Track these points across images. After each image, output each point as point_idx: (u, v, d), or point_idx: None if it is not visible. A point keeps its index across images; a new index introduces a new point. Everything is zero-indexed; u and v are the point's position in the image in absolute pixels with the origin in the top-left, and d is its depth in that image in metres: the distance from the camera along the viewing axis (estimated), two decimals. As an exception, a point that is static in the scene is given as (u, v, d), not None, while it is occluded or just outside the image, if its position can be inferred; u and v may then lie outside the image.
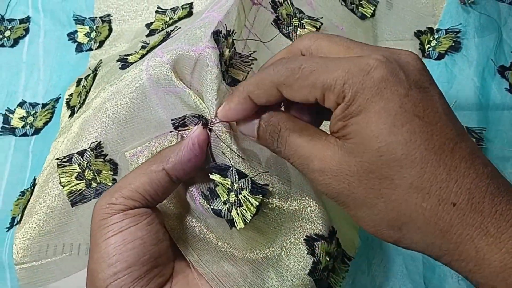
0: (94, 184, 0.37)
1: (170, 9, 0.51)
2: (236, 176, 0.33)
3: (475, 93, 0.48)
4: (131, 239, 0.29)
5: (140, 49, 0.42)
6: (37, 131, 0.47)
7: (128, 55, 0.42)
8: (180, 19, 0.48)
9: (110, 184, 0.37)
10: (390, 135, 0.24)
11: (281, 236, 0.34)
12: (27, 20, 0.53)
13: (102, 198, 0.30)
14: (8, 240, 0.40)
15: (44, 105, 0.49)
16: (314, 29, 0.46)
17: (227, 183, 0.33)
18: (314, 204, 0.35)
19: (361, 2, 0.50)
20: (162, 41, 0.38)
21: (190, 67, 0.34)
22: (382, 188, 0.25)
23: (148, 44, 0.42)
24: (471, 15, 0.51)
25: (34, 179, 0.41)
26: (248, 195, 0.33)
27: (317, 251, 0.34)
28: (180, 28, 0.40)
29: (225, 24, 0.36)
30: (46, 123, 0.47)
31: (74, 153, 0.37)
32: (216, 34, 0.35)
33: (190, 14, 0.48)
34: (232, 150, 0.33)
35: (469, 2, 0.52)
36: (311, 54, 0.29)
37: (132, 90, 0.36)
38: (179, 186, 0.33)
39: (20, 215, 0.40)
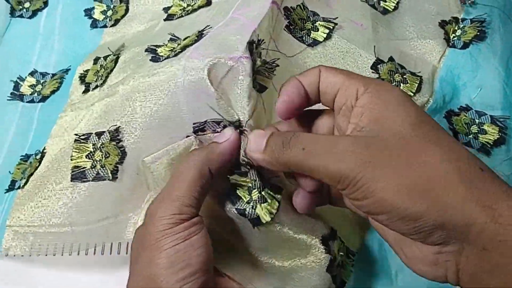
0: (98, 167, 0.37)
1: (189, -5, 0.51)
2: (257, 175, 0.34)
3: (500, 82, 0.47)
4: (198, 245, 0.30)
5: (169, 41, 0.43)
6: (43, 98, 0.47)
7: (157, 46, 0.42)
8: (199, 7, 0.48)
9: (111, 169, 0.37)
10: (415, 125, 0.27)
11: (300, 240, 0.36)
12: (47, -8, 0.54)
13: (162, 207, 0.31)
14: (6, 202, 0.40)
15: (53, 75, 0.49)
16: (327, 31, 0.47)
17: (247, 183, 0.34)
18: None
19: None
20: (196, 41, 0.39)
21: (222, 73, 0.35)
22: (414, 156, 0.26)
23: (178, 38, 0.43)
24: (496, 5, 0.51)
25: (44, 149, 0.41)
26: (270, 191, 0.34)
27: (332, 249, 0.36)
28: (211, 27, 0.41)
29: (258, 34, 0.38)
30: (53, 92, 0.47)
31: (93, 133, 0.38)
32: (251, 44, 0.36)
33: (209, 3, 0.48)
34: None
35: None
36: (315, 89, 0.31)
37: (166, 88, 0.36)
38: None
39: (24, 180, 0.40)
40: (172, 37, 0.43)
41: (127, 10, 0.53)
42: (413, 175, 0.25)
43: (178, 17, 0.49)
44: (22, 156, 0.44)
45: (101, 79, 0.43)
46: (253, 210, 0.34)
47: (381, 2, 0.51)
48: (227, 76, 0.35)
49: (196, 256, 0.30)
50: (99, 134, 0.38)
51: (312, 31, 0.47)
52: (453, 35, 0.51)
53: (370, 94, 0.28)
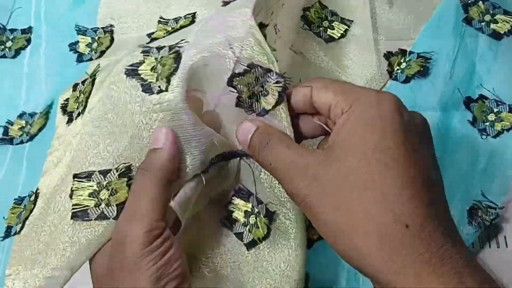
0: (102, 205, 0.35)
1: (173, 19, 0.50)
2: (256, 202, 0.36)
3: (433, 121, 0.47)
4: (176, 259, 0.30)
5: (145, 56, 0.39)
6: (31, 137, 0.46)
7: (137, 65, 0.39)
8: (182, 27, 0.47)
9: (115, 207, 0.35)
10: (374, 152, 0.27)
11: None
12: (29, 30, 0.53)
13: (132, 228, 0.30)
14: (3, 251, 0.40)
15: (41, 113, 0.48)
16: (343, 30, 0.51)
17: (248, 208, 0.35)
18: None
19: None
20: (176, 67, 0.36)
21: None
22: (350, 197, 0.27)
23: (149, 47, 0.40)
24: (446, 42, 0.50)
25: (37, 190, 0.39)
26: (263, 218, 0.36)
27: None
28: (187, 42, 0.38)
29: (242, 61, 0.36)
30: (40, 129, 0.46)
31: (96, 171, 0.36)
32: (231, 80, 0.35)
33: (193, 22, 0.48)
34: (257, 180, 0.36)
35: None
36: (309, 104, 0.33)
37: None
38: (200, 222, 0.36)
39: (20, 225, 0.38)
40: (143, 48, 0.40)
41: (112, 41, 0.52)
42: (341, 215, 0.27)
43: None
44: (15, 199, 0.43)
45: (81, 105, 0.42)
46: (249, 233, 0.35)
47: (328, 30, 0.51)
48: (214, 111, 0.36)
49: (177, 269, 0.30)
50: (104, 173, 0.36)
51: (329, 29, 0.50)
52: (398, 67, 0.50)
53: (347, 114, 0.29)
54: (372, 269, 0.26)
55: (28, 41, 0.52)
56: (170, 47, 0.38)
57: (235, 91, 0.35)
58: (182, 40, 0.38)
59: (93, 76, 0.43)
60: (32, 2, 0.54)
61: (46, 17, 0.53)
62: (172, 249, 0.30)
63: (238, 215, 0.36)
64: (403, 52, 0.51)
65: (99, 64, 0.45)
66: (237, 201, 0.35)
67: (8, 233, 0.40)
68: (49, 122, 0.46)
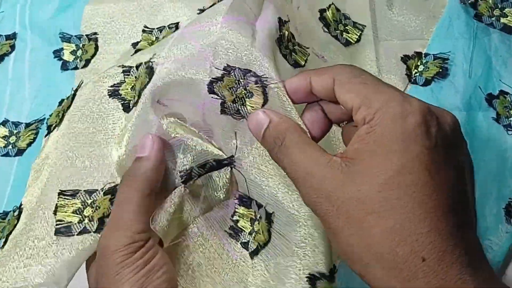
0: (86, 221, 0.37)
1: (157, 28, 0.51)
2: (256, 207, 0.35)
3: (460, 122, 0.48)
4: (158, 268, 0.31)
5: (125, 75, 0.41)
6: (20, 152, 0.47)
7: (118, 85, 0.41)
8: (163, 38, 0.47)
9: (96, 223, 0.37)
10: (396, 176, 0.25)
11: (284, 273, 0.35)
12: (13, 36, 0.53)
13: (114, 239, 0.31)
14: None
15: (27, 125, 0.48)
16: (358, 34, 0.50)
17: (251, 214, 0.35)
18: (316, 238, 0.35)
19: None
20: (148, 81, 0.37)
21: (198, 117, 0.36)
22: (366, 222, 0.26)
23: (129, 67, 0.41)
24: (461, 40, 0.50)
25: (21, 205, 0.40)
26: (264, 223, 0.35)
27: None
28: (158, 55, 0.38)
29: (217, 65, 0.36)
30: (29, 144, 0.47)
31: (81, 190, 0.37)
32: (211, 85, 0.35)
33: None
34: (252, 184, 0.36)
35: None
36: (330, 94, 0.31)
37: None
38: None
39: (3, 239, 0.39)
40: (123, 68, 0.42)
41: (96, 49, 0.52)
42: (356, 237, 0.26)
43: None
44: (0, 213, 0.43)
45: (58, 118, 0.43)
46: (254, 241, 0.35)
47: (344, 33, 0.51)
48: (203, 119, 0.35)
49: (159, 278, 0.30)
50: (89, 192, 0.37)
51: (344, 33, 0.50)
52: (415, 70, 0.50)
53: (369, 126, 0.27)
54: None
55: (12, 47, 0.52)
56: (145, 63, 0.39)
57: (217, 97, 0.34)
58: (154, 54, 0.38)
59: (74, 91, 0.44)
60: (16, 7, 0.54)
61: (31, 23, 0.53)
62: (155, 257, 0.31)
63: (244, 223, 0.35)
64: (419, 55, 0.51)
65: (82, 80, 0.46)
66: (241, 209, 0.35)
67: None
68: (38, 137, 0.47)
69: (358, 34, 0.50)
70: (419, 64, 0.50)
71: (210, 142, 0.36)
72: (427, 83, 0.49)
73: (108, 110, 0.40)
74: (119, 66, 0.41)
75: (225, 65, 0.35)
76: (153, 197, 0.33)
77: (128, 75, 0.40)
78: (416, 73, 0.50)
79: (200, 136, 0.36)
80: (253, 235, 0.35)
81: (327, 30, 0.48)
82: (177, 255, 0.37)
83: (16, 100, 0.50)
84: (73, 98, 0.42)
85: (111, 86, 0.40)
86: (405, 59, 0.51)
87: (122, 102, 0.40)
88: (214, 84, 0.35)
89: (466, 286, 0.24)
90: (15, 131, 0.48)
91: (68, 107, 0.42)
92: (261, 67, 0.35)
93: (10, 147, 0.47)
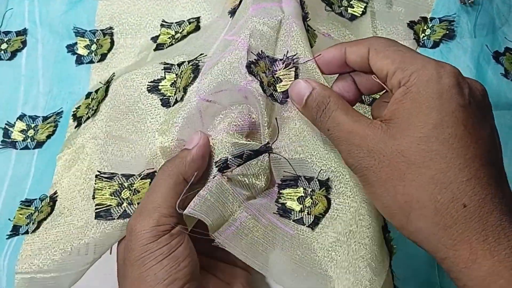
0: (125, 204, 0.36)
1: (176, 22, 0.50)
2: (306, 182, 0.35)
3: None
4: (182, 258, 0.30)
5: (167, 72, 0.42)
6: (39, 144, 0.45)
7: (158, 81, 0.41)
8: (188, 33, 0.47)
9: (136, 207, 0.36)
10: (434, 130, 0.27)
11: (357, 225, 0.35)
12: (24, 32, 0.51)
13: (141, 221, 0.31)
14: (8, 249, 0.39)
15: (45, 118, 0.47)
16: (363, 7, 0.50)
17: (299, 193, 0.35)
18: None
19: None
20: (193, 78, 0.38)
21: (238, 101, 0.36)
22: (407, 172, 0.27)
23: (172, 65, 0.42)
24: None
25: (55, 193, 0.39)
26: (319, 193, 0.35)
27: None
28: (205, 55, 0.40)
29: (252, 50, 0.37)
30: (49, 137, 0.45)
31: (118, 174, 0.37)
32: (249, 67, 0.36)
33: (198, 28, 0.48)
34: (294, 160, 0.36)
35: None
36: (364, 64, 0.32)
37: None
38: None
39: (34, 225, 0.38)
40: (165, 66, 0.42)
41: (112, 43, 0.51)
42: (397, 189, 0.28)
43: (169, 46, 0.48)
44: (22, 201, 0.42)
45: (92, 110, 0.42)
46: (308, 216, 0.35)
47: (348, 9, 0.51)
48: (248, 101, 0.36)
49: (182, 269, 0.30)
50: (127, 176, 0.37)
51: (349, 8, 0.50)
52: (423, 34, 0.51)
53: (406, 88, 0.28)
54: (428, 244, 0.27)
55: (24, 43, 0.51)
56: (189, 61, 0.40)
57: (256, 79, 0.36)
58: (201, 54, 0.40)
59: (107, 83, 0.43)
60: (25, 3, 0.52)
61: (41, 18, 0.52)
62: (179, 249, 0.30)
63: (292, 204, 0.35)
64: (424, 20, 0.51)
65: (114, 73, 0.45)
66: (286, 191, 0.35)
67: (15, 232, 0.40)
68: (58, 130, 0.46)
69: (363, 6, 0.50)
70: (425, 28, 0.51)
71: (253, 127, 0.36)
72: (435, 45, 0.50)
73: (146, 105, 0.41)
74: (160, 63, 0.42)
75: (259, 51, 0.37)
76: (186, 185, 0.33)
77: (169, 72, 0.41)
78: (423, 37, 0.51)
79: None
80: (305, 211, 0.35)
81: (330, 9, 0.49)
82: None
83: (31, 95, 0.48)
84: (106, 91, 0.42)
85: (151, 82, 0.41)
86: (411, 24, 0.51)
87: (162, 97, 0.40)
88: (252, 65, 0.36)
89: (506, 232, 0.25)
90: (32, 125, 0.46)
91: (103, 99, 0.42)
92: (291, 48, 0.37)
93: (29, 140, 0.46)
